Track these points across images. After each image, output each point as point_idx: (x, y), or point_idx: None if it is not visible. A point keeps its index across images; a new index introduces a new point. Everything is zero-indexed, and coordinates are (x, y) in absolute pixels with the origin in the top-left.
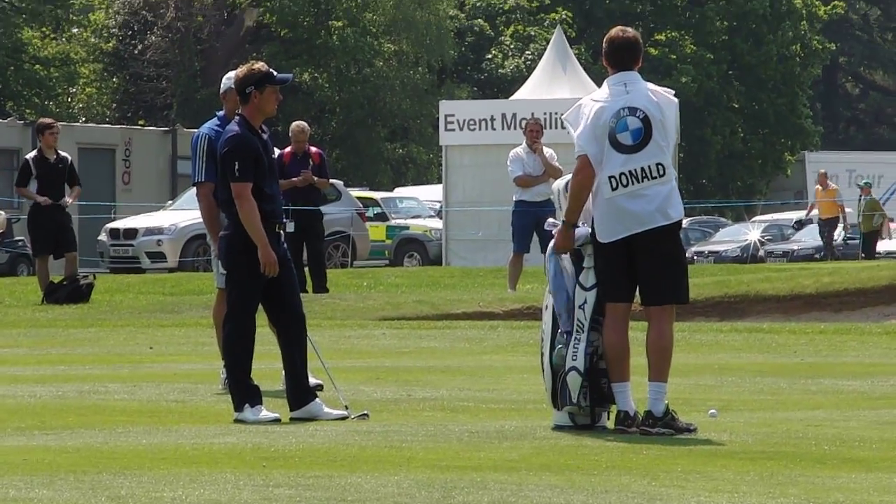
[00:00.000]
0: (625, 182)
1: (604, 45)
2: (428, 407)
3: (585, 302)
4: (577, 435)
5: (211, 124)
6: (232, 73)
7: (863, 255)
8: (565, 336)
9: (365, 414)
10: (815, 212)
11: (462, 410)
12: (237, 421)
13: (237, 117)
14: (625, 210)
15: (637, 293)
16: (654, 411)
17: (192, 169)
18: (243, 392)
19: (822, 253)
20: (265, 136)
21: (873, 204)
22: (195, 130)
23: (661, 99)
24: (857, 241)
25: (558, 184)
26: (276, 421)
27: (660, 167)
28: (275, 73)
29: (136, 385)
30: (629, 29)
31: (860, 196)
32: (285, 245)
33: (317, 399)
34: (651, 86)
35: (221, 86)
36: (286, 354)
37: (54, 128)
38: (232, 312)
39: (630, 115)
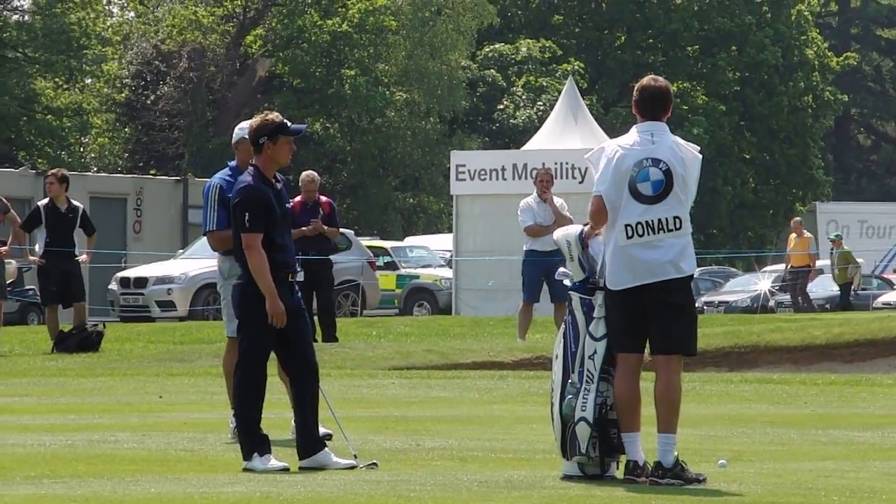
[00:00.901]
0: (640, 232)
1: (635, 92)
2: (437, 456)
3: (595, 352)
4: (586, 485)
5: (223, 174)
6: (244, 124)
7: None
8: (574, 386)
9: (374, 463)
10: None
11: (471, 460)
12: (246, 470)
13: (250, 167)
14: (637, 259)
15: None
16: (664, 462)
17: (203, 218)
18: (252, 441)
19: (796, 304)
20: (279, 186)
21: (846, 255)
22: (207, 180)
23: (685, 154)
24: (868, 292)
25: (566, 234)
26: (285, 470)
27: (677, 220)
28: (289, 123)
29: (146, 434)
30: (661, 78)
31: (832, 249)
32: (299, 294)
33: (326, 448)
34: (677, 139)
35: (234, 136)
36: (297, 404)
37: (49, 177)
38: (243, 361)
39: (653, 166)
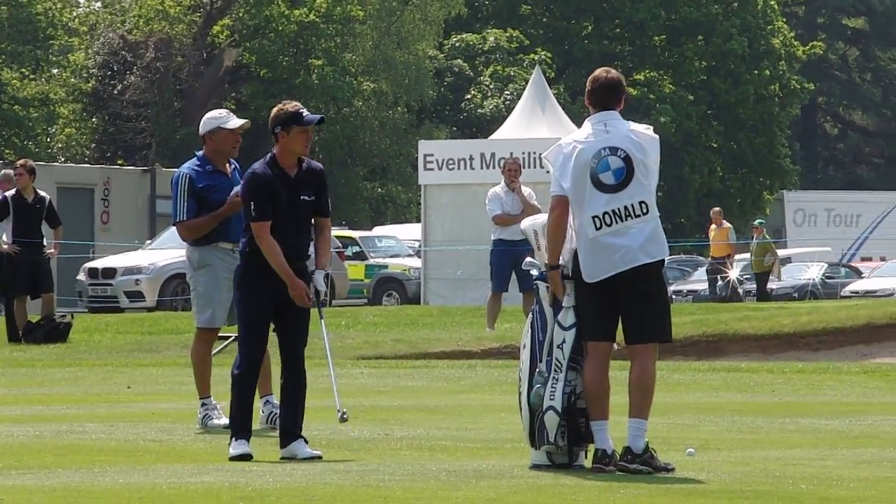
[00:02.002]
0: (608, 221)
1: (587, 84)
2: (405, 446)
3: (564, 341)
4: (554, 474)
5: (191, 164)
6: (216, 113)
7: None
8: (542, 375)
9: (344, 415)
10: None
11: (440, 449)
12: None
13: (268, 155)
14: (609, 249)
15: (619, 331)
16: (634, 448)
17: (173, 208)
18: (237, 427)
19: (720, 292)
20: (298, 173)
21: (766, 245)
22: (174, 170)
23: (642, 138)
24: (836, 281)
25: (533, 223)
26: (248, 458)
27: (643, 205)
28: (304, 113)
29: (114, 424)
30: (612, 70)
31: (752, 236)
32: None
33: (299, 439)
34: (632, 125)
35: (204, 125)
36: (282, 396)
37: (18, 168)
38: (240, 347)
39: (611, 155)
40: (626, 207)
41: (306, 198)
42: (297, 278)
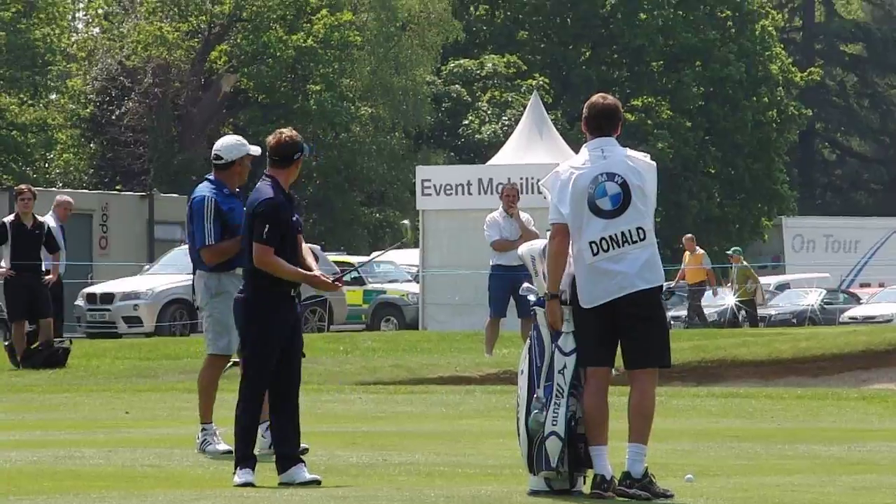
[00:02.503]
0: (605, 247)
1: (584, 110)
2: (404, 472)
3: (565, 367)
4: (553, 500)
5: (209, 188)
6: (235, 140)
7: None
8: (540, 401)
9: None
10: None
11: (438, 475)
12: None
13: (270, 180)
14: (605, 275)
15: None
16: (633, 472)
17: (197, 232)
18: (241, 455)
19: (690, 320)
20: (288, 194)
21: (746, 272)
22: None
23: (639, 164)
24: (835, 307)
25: (530, 249)
26: (252, 486)
27: (640, 231)
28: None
29: (112, 450)
30: (609, 96)
31: (731, 265)
32: (299, 310)
33: (299, 464)
34: (629, 151)
35: (227, 151)
36: (277, 421)
37: (24, 194)
38: (245, 381)
39: (608, 181)
40: (622, 233)
41: (297, 217)
42: (311, 273)
